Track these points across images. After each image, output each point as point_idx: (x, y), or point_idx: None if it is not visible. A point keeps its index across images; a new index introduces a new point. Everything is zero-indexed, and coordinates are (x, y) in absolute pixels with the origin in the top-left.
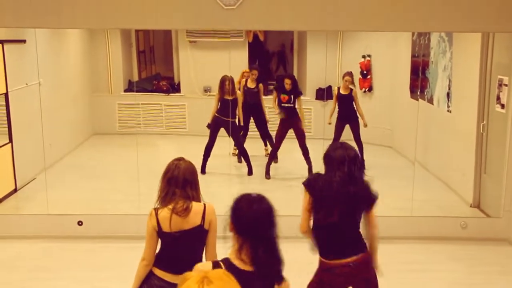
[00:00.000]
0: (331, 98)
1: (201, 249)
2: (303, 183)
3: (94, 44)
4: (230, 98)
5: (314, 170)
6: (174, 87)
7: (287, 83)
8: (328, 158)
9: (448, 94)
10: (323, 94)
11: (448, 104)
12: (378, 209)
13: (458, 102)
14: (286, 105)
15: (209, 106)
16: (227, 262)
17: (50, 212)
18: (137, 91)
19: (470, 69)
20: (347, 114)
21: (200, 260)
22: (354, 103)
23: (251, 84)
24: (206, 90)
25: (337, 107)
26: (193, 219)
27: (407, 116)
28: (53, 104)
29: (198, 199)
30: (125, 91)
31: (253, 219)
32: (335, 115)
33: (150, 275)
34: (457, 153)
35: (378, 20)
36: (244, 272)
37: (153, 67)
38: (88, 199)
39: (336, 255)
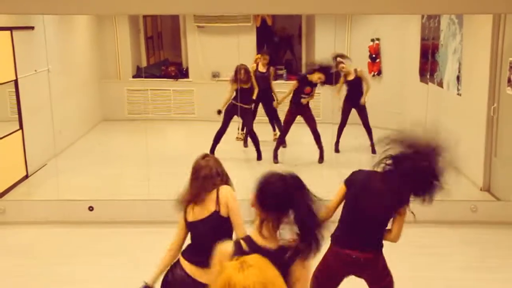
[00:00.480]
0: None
1: (223, 238)
2: (344, 181)
3: (102, 30)
4: (246, 86)
5: (326, 155)
6: (182, 73)
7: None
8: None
9: (458, 77)
10: (331, 78)
11: (458, 87)
12: None
13: (468, 85)
14: (306, 97)
15: (218, 92)
16: (248, 240)
17: (61, 197)
18: (145, 77)
19: (480, 51)
20: (355, 98)
21: None
22: (362, 85)
23: (262, 69)
24: (215, 75)
25: (345, 90)
26: (209, 207)
27: (416, 99)
28: (62, 91)
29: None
30: (134, 77)
31: (276, 193)
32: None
33: (176, 263)
34: (467, 136)
35: (387, 2)
36: (263, 249)
37: (161, 53)
38: (98, 185)
39: (351, 247)
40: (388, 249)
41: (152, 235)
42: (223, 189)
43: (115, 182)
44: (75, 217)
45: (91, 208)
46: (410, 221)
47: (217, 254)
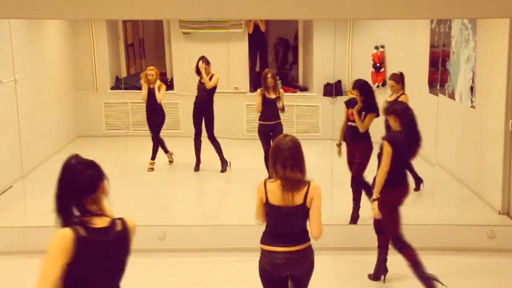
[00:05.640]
0: (341, 94)
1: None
2: None
3: (77, 37)
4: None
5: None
6: (166, 84)
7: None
8: None
9: (471, 88)
10: (331, 89)
11: (471, 99)
12: None
13: (483, 97)
14: (353, 124)
15: None
16: (84, 223)
17: (28, 224)
18: (125, 89)
19: (496, 59)
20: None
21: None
22: None
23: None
24: None
25: None
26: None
27: (425, 113)
28: (32, 104)
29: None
30: (112, 88)
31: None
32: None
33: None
34: (482, 153)
35: (392, 6)
36: (100, 230)
37: (143, 61)
38: None
39: None
40: (398, 281)
41: (132, 266)
42: (313, 183)
43: None
44: (44, 246)
45: None
46: (417, 248)
47: (58, 237)
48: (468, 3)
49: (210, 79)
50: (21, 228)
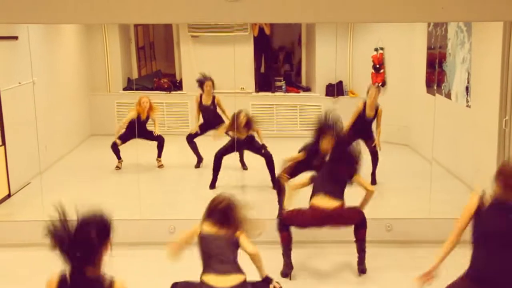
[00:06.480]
0: (342, 94)
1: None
2: None
3: (91, 40)
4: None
5: None
6: (175, 85)
7: None
8: None
9: (467, 88)
10: (333, 90)
11: (467, 99)
12: (394, 211)
13: (478, 97)
14: None
15: None
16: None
17: (46, 217)
18: (136, 90)
19: (490, 61)
20: (362, 130)
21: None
22: (376, 122)
23: (206, 100)
24: None
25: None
26: None
27: (423, 112)
28: (48, 104)
29: None
30: (124, 89)
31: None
32: None
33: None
34: (477, 151)
35: (391, 10)
36: (88, 278)
37: (153, 63)
38: (86, 204)
39: None
40: (398, 274)
41: (144, 257)
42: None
43: (104, 201)
44: None
45: None
46: (415, 241)
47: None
48: (464, 7)
49: (213, 100)
50: (39, 222)
